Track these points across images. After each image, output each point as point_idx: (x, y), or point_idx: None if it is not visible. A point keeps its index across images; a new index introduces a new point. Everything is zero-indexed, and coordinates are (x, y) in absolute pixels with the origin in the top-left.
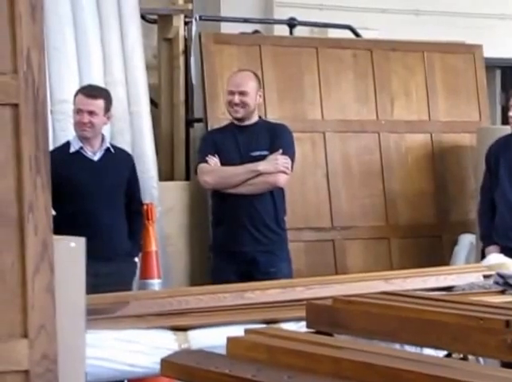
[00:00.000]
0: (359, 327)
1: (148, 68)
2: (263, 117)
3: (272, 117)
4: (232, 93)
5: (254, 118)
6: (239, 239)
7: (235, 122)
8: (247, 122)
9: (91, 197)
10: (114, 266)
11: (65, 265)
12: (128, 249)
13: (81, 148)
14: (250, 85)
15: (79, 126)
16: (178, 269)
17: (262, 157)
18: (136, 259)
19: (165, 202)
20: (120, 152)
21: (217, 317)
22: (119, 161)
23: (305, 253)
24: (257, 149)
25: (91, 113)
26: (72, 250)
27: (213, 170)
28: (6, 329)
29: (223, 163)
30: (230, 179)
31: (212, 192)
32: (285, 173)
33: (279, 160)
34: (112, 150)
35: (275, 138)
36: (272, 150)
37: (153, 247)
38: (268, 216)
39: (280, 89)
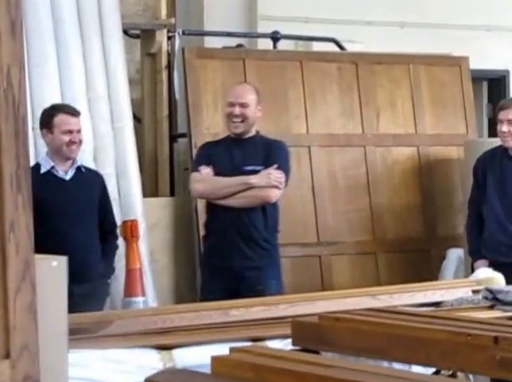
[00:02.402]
0: (346, 344)
1: (131, 83)
2: (260, 133)
3: None
4: (232, 105)
5: (252, 133)
6: (227, 254)
7: (232, 135)
8: (244, 136)
9: (65, 217)
10: (86, 287)
11: (47, 284)
12: (101, 270)
13: (52, 168)
14: (251, 97)
15: (69, 146)
16: (163, 286)
17: (255, 172)
18: (109, 281)
19: (149, 218)
20: (90, 172)
21: (202, 336)
22: (90, 181)
23: (291, 269)
24: (251, 163)
25: (79, 132)
26: (54, 269)
27: (205, 179)
28: None
29: (216, 175)
30: (221, 190)
31: (206, 204)
32: (277, 188)
33: (272, 174)
34: (83, 169)
35: (271, 153)
36: (266, 166)
37: (137, 264)
38: (257, 231)
39: (264, 103)
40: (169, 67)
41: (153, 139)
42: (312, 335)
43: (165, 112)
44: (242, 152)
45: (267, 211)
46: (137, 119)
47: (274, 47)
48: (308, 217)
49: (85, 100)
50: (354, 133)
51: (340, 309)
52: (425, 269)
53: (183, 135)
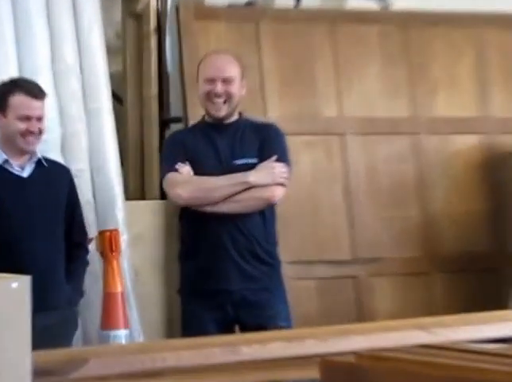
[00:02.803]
0: None
1: (109, 51)
2: (245, 114)
3: (274, 115)
4: (212, 81)
5: (235, 115)
6: (222, 275)
7: (209, 120)
8: (227, 121)
9: (22, 225)
10: (51, 316)
11: (5, 311)
12: (68, 295)
13: (6, 162)
14: (236, 71)
15: (24, 136)
16: (151, 315)
17: (251, 167)
18: (77, 308)
19: (134, 228)
20: (54, 165)
21: (203, 379)
22: (55, 177)
23: (318, 293)
24: (244, 156)
25: (39, 120)
26: (14, 292)
27: (188, 181)
28: None
29: (198, 174)
30: (212, 193)
31: (180, 213)
32: (283, 185)
33: (276, 168)
34: (44, 162)
35: (266, 141)
36: (263, 158)
37: (118, 287)
38: (257, 242)
39: (284, 79)
40: (159, 30)
41: (139, 125)
42: (346, 378)
43: (154, 90)
44: (229, 141)
45: (266, 216)
46: (117, 99)
47: (297, 5)
48: (341, 227)
49: (50, 74)
50: (401, 117)
51: (382, 345)
52: (494, 293)
53: (177, 119)
